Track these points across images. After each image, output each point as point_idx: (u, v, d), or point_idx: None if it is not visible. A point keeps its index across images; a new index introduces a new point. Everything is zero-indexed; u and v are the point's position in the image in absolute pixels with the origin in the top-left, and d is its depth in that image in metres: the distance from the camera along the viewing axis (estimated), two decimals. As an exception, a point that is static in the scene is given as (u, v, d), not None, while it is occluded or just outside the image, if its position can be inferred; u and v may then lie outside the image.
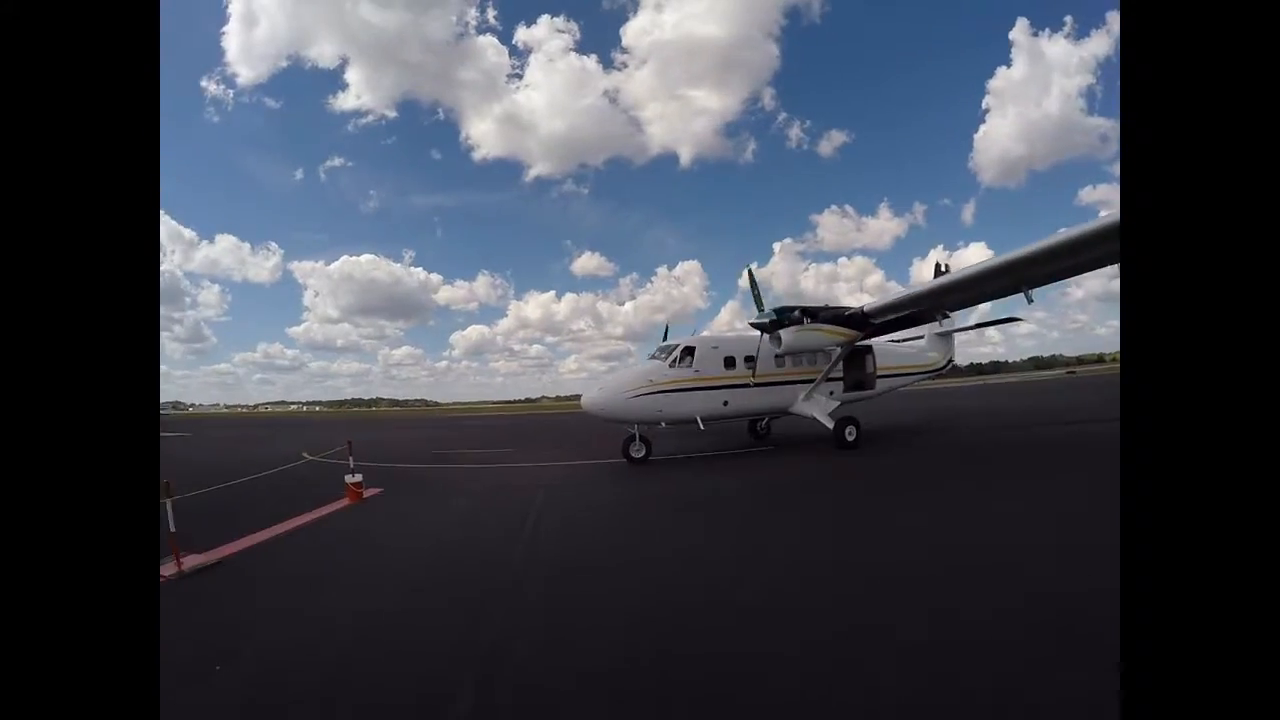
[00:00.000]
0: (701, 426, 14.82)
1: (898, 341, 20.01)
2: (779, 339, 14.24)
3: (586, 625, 4.55)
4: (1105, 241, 9.36)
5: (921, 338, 19.94)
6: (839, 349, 15.47)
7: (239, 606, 5.55)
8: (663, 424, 14.87)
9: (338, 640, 4.61)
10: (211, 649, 4.45)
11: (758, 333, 14.75)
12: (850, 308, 14.69)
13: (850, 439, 14.59)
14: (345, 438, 14.85)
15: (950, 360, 20.20)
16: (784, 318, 14.27)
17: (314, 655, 4.39)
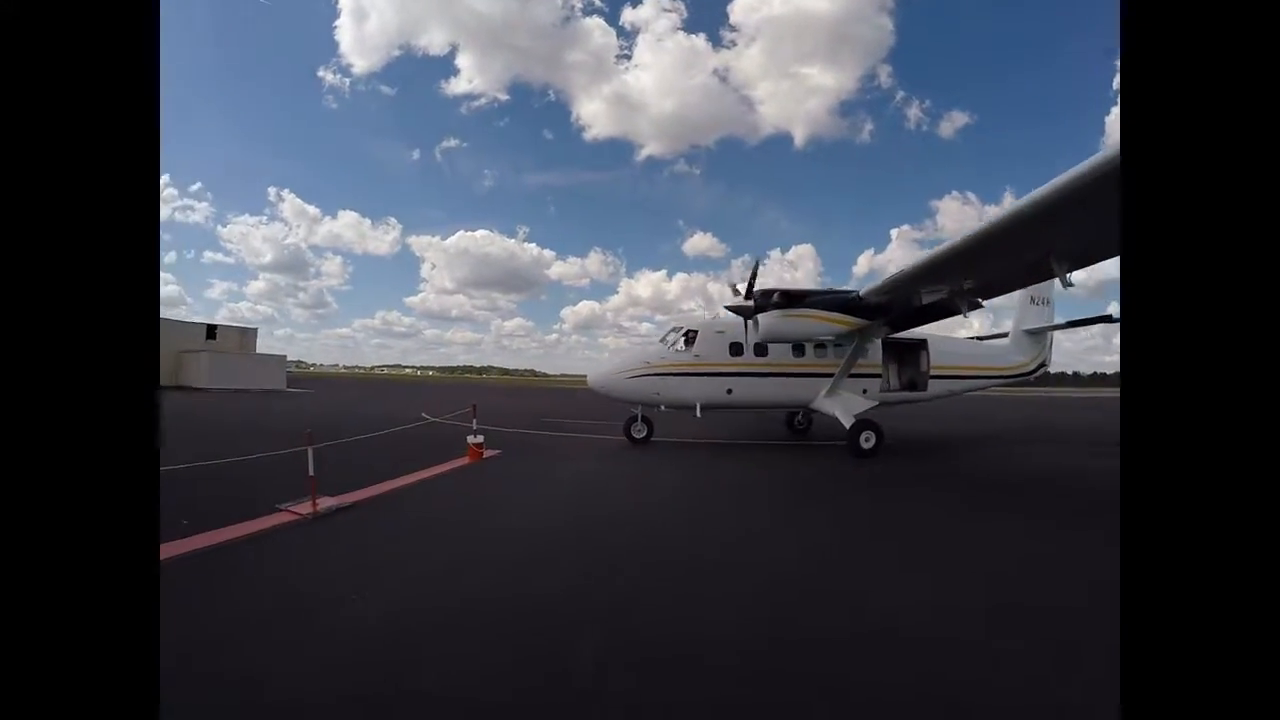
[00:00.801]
0: (699, 414, 14.29)
1: (983, 339, 18.26)
2: (757, 324, 12.70)
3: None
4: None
5: (1005, 335, 17.85)
6: (851, 340, 13.78)
7: (369, 544, 6.02)
8: (661, 406, 14.56)
9: (462, 579, 5.01)
10: (345, 581, 4.88)
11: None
12: (850, 291, 12.75)
13: (867, 446, 12.96)
14: (460, 401, 15.85)
15: (1043, 365, 17.65)
16: (765, 302, 12.69)
17: (440, 588, 4.80)
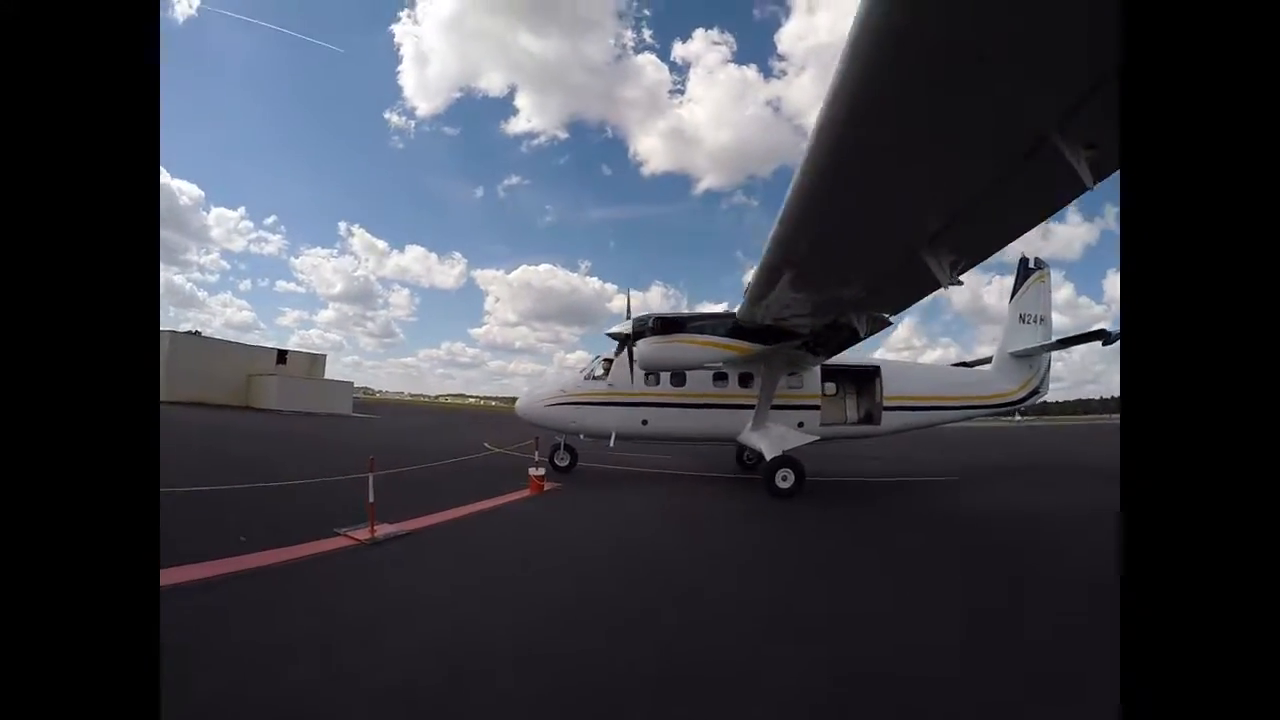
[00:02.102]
0: (611, 444, 13.74)
1: (969, 364, 16.37)
2: (637, 353, 11.96)
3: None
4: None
5: (989, 360, 16.01)
6: (749, 366, 12.96)
7: (419, 574, 5.94)
8: (581, 435, 14.10)
9: (509, 607, 4.95)
10: (385, 610, 4.80)
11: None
12: (728, 314, 11.67)
13: (784, 485, 11.38)
14: (524, 432, 16.13)
15: (1034, 392, 15.64)
16: (643, 328, 11.87)
17: (484, 616, 4.75)
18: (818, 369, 13.94)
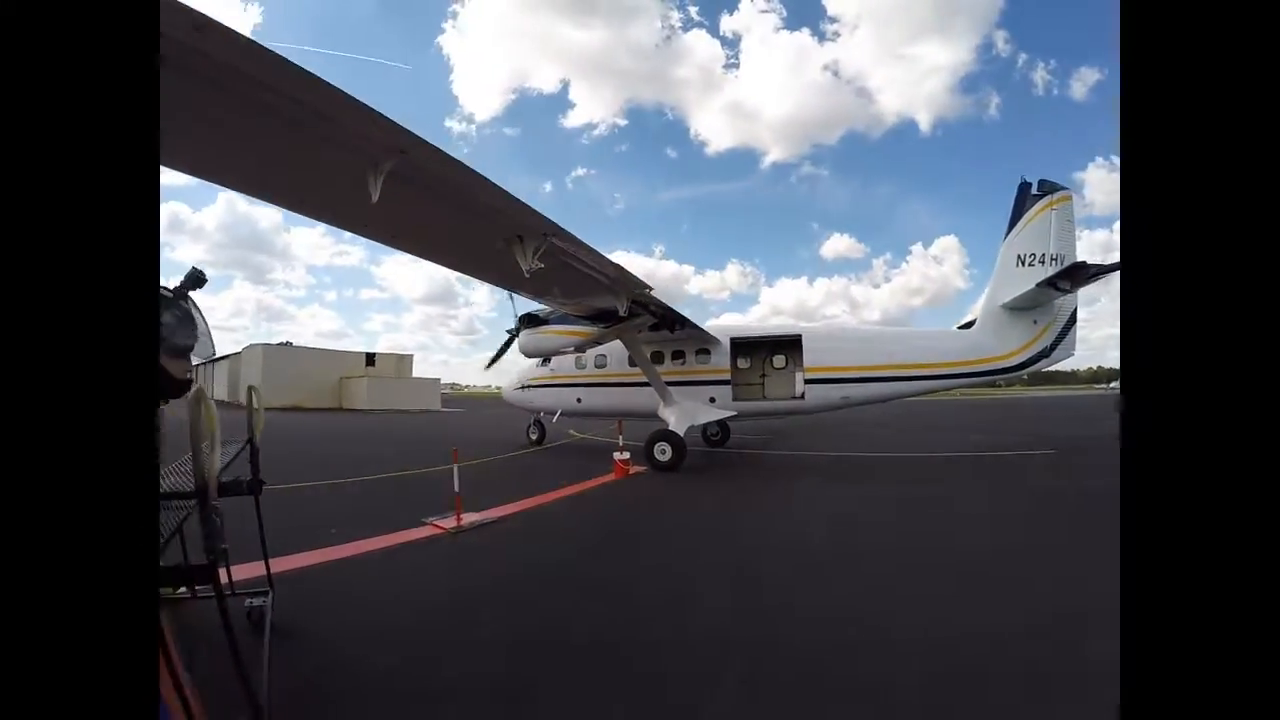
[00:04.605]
0: (553, 419, 16.38)
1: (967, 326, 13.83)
2: (518, 343, 13.88)
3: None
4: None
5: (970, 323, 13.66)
6: (599, 344, 13.82)
7: (501, 560, 6.11)
8: (542, 413, 16.67)
9: (593, 597, 5.02)
10: (463, 597, 5.02)
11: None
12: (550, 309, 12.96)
13: (662, 458, 12.12)
14: (607, 420, 16.50)
15: (1042, 354, 12.61)
16: (523, 324, 13.59)
17: (560, 601, 4.92)
18: (726, 341, 13.97)
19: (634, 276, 10.12)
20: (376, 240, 7.49)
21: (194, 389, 2.73)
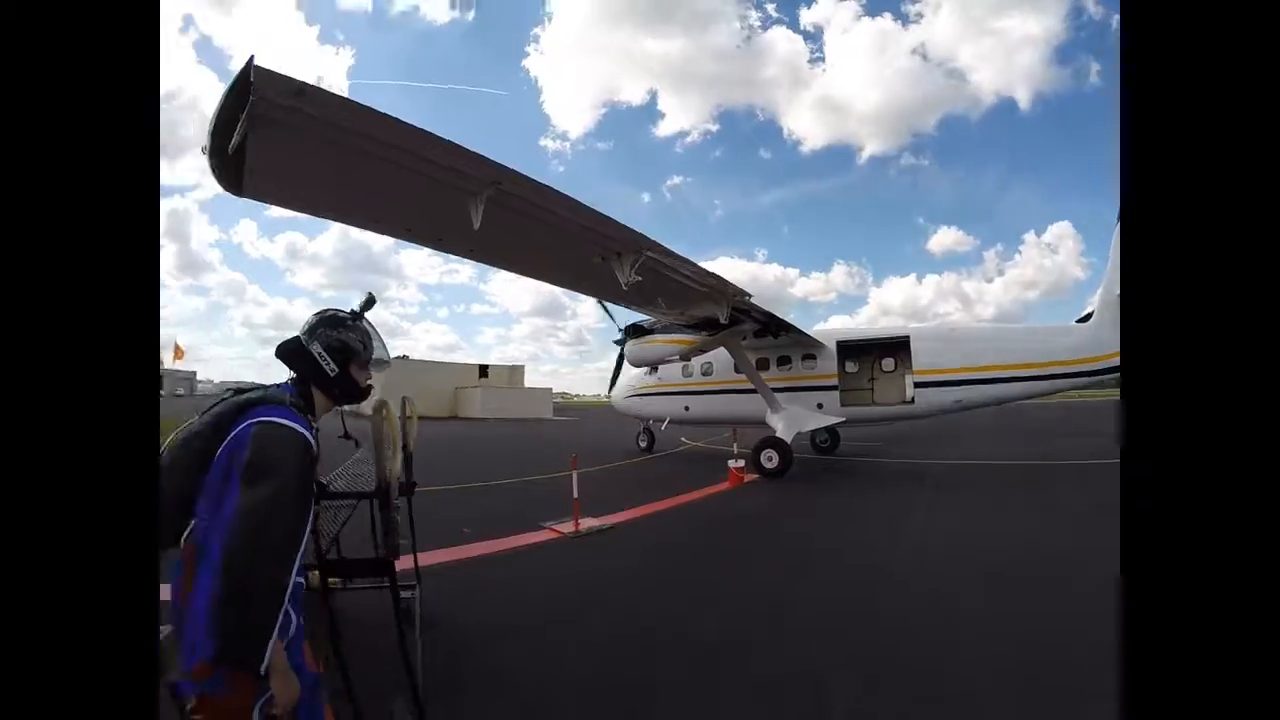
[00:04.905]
0: (662, 427, 16.95)
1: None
2: (626, 353, 14.74)
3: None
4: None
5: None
6: (694, 354, 13.85)
7: (617, 565, 6.24)
8: (651, 420, 17.19)
9: (701, 601, 5.07)
10: (578, 600, 5.19)
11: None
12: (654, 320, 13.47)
13: (769, 465, 12.05)
14: (721, 428, 16.62)
15: None
16: (629, 335, 14.36)
17: (672, 606, 4.98)
18: (832, 345, 13.77)
19: (732, 284, 10.12)
20: (482, 262, 8.01)
21: (376, 402, 3.13)
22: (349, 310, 2.29)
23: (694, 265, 8.80)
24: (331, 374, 2.15)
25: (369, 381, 2.28)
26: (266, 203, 5.60)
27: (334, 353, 2.16)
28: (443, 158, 5.02)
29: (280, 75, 3.87)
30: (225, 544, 1.62)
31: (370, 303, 2.33)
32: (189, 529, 1.80)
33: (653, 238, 7.24)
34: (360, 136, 4.59)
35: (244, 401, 1.93)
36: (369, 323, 2.30)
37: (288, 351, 2.17)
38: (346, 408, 2.37)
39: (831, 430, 15.45)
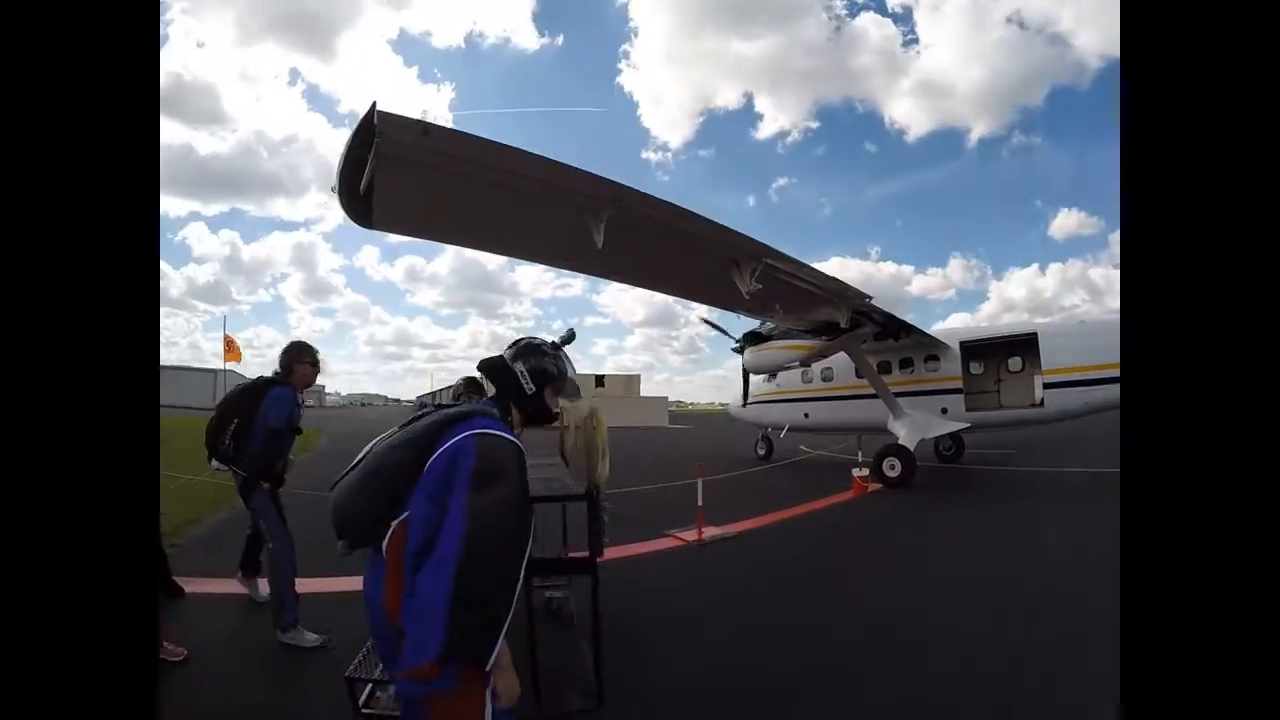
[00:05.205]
0: (781, 435, 16.49)
1: None
2: (743, 361, 14.96)
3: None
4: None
5: None
6: (813, 359, 13.65)
7: (747, 572, 6.23)
8: (769, 428, 16.86)
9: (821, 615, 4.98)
10: (724, 601, 5.26)
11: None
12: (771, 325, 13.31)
13: (891, 474, 11.51)
14: (841, 436, 16.22)
15: None
16: (747, 342, 14.41)
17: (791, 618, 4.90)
18: (955, 346, 13.01)
19: (852, 288, 9.78)
20: (605, 278, 8.19)
21: (589, 408, 3.33)
22: (550, 341, 2.45)
23: (812, 270, 8.62)
24: (529, 393, 2.28)
25: (559, 409, 2.42)
26: (395, 233, 5.96)
27: (534, 374, 2.29)
28: (562, 181, 5.21)
29: (403, 118, 4.15)
30: (457, 545, 1.68)
31: (570, 338, 2.52)
32: (389, 532, 1.89)
33: (763, 242, 7.18)
34: (483, 167, 4.86)
35: (455, 415, 2.01)
36: (566, 355, 2.45)
37: (492, 367, 2.33)
38: None
39: (955, 437, 14.20)
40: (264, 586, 4.88)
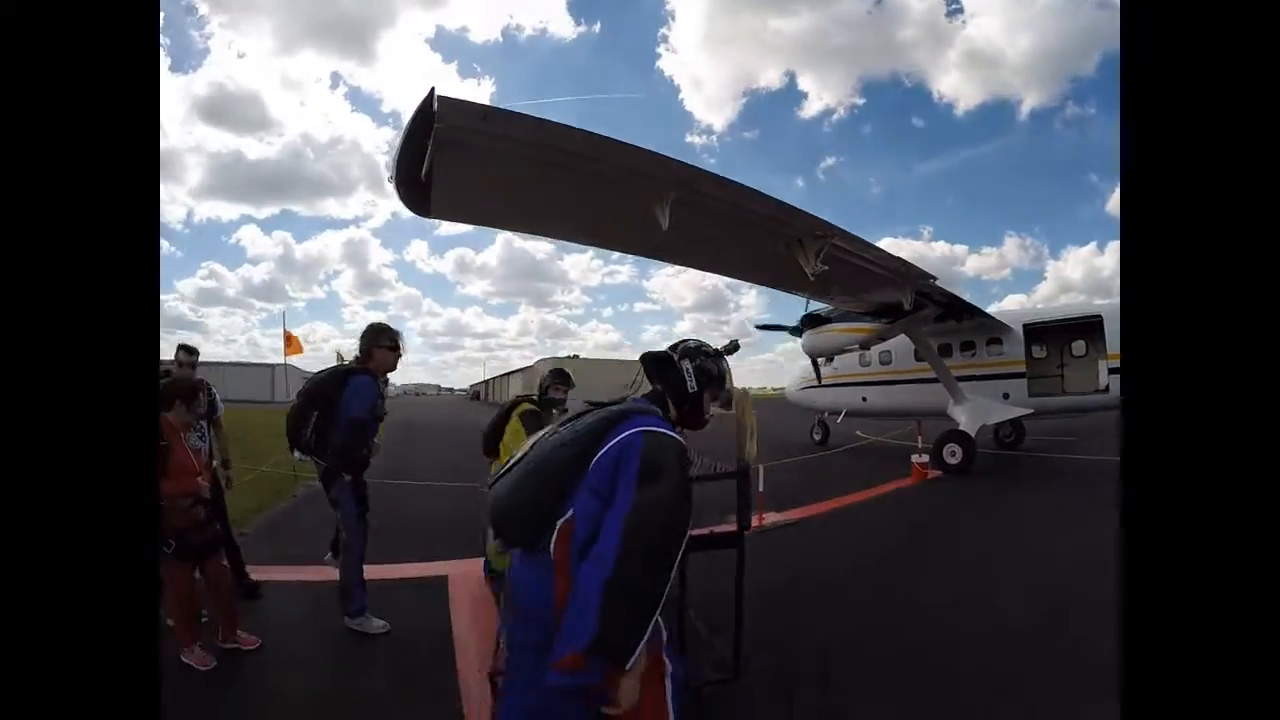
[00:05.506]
0: (838, 420, 16.36)
1: None
2: (802, 344, 14.61)
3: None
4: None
5: None
6: (875, 343, 13.37)
7: (811, 558, 6.28)
8: (825, 413, 16.59)
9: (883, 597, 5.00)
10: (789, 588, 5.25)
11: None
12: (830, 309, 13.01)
13: (951, 460, 11.28)
14: (894, 422, 16.12)
15: None
16: (804, 325, 14.14)
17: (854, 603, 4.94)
18: (1018, 328, 12.60)
19: (916, 267, 9.52)
20: (667, 261, 8.13)
21: (738, 391, 3.39)
22: (715, 347, 2.47)
23: (876, 249, 8.43)
24: (690, 391, 2.28)
25: (709, 414, 2.41)
26: (453, 221, 5.94)
27: (699, 374, 2.30)
28: (627, 161, 5.15)
29: (464, 101, 4.16)
30: (616, 541, 1.72)
31: (735, 348, 2.54)
32: (554, 532, 1.90)
33: (829, 221, 7.02)
34: (544, 149, 4.79)
35: (620, 413, 2.04)
36: (728, 363, 2.45)
37: (656, 359, 2.36)
38: None
39: (1015, 422, 13.85)
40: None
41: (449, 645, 4.09)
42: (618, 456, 1.88)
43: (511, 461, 2.09)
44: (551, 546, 1.89)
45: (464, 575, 5.43)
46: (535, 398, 5.38)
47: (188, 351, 5.23)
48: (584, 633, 1.66)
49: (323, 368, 4.63)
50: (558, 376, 5.42)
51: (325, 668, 3.84)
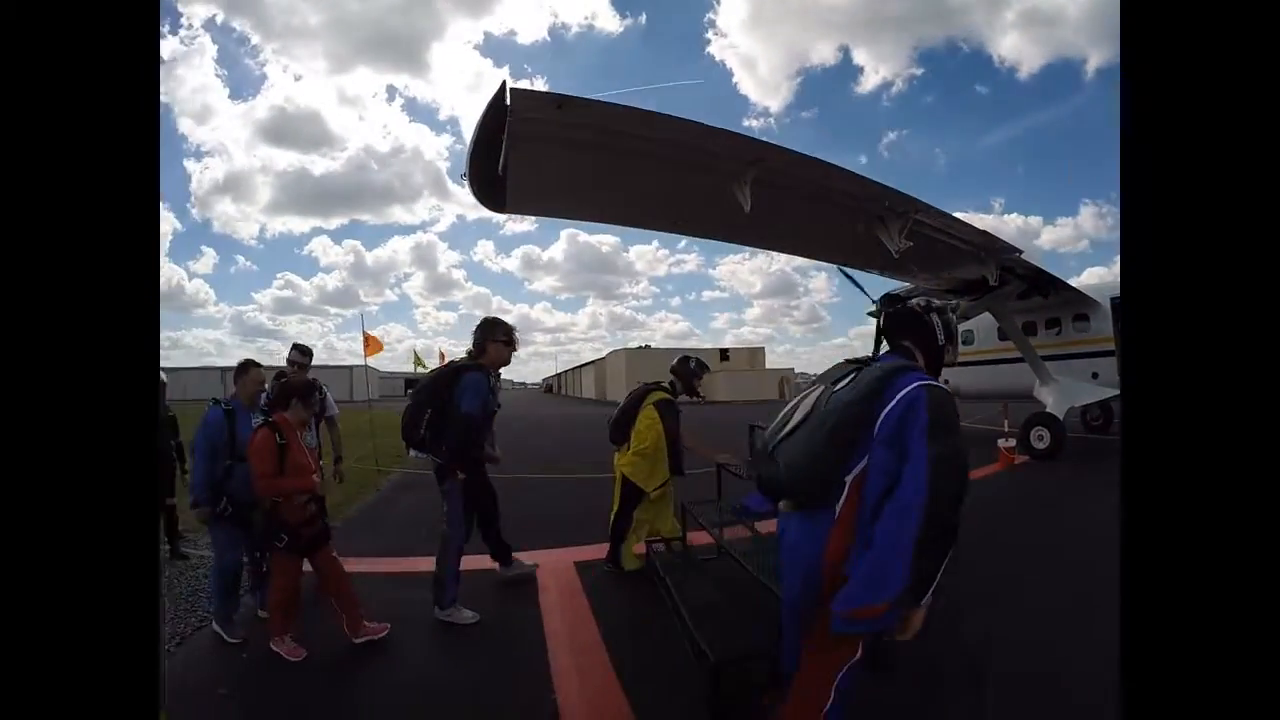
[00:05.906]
0: None
1: None
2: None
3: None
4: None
5: None
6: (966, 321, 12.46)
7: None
8: None
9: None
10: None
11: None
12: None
13: (1039, 445, 10.61)
14: (985, 405, 15.16)
15: None
16: (883, 305, 11.48)
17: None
18: (1106, 303, 11.48)
19: (1001, 240, 9.03)
20: (750, 245, 7.91)
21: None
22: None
23: (961, 223, 8.00)
24: (940, 343, 2.37)
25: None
26: (529, 214, 5.87)
27: (945, 327, 2.40)
28: (706, 143, 5.01)
29: (537, 92, 4.12)
30: (924, 492, 1.81)
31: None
32: (844, 486, 2.02)
33: (913, 196, 6.74)
34: (620, 136, 4.71)
35: (895, 367, 2.11)
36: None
37: (901, 315, 2.45)
38: None
39: (1104, 405, 12.87)
40: (517, 566, 5.19)
41: (540, 635, 4.10)
42: (905, 410, 1.95)
43: (783, 422, 2.19)
44: (840, 502, 2.00)
45: (553, 566, 5.45)
46: (668, 385, 5.37)
47: (301, 352, 5.28)
48: (892, 584, 1.76)
49: (434, 367, 4.64)
50: (682, 363, 5.42)
51: (414, 657, 3.88)
